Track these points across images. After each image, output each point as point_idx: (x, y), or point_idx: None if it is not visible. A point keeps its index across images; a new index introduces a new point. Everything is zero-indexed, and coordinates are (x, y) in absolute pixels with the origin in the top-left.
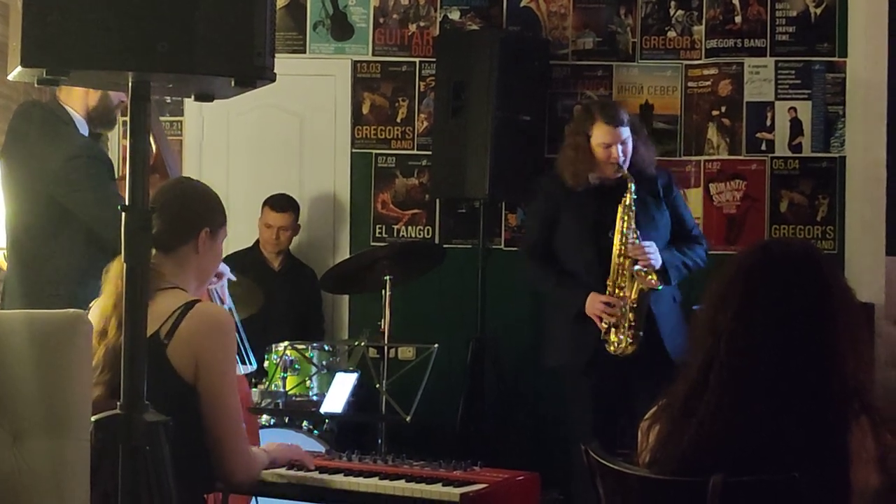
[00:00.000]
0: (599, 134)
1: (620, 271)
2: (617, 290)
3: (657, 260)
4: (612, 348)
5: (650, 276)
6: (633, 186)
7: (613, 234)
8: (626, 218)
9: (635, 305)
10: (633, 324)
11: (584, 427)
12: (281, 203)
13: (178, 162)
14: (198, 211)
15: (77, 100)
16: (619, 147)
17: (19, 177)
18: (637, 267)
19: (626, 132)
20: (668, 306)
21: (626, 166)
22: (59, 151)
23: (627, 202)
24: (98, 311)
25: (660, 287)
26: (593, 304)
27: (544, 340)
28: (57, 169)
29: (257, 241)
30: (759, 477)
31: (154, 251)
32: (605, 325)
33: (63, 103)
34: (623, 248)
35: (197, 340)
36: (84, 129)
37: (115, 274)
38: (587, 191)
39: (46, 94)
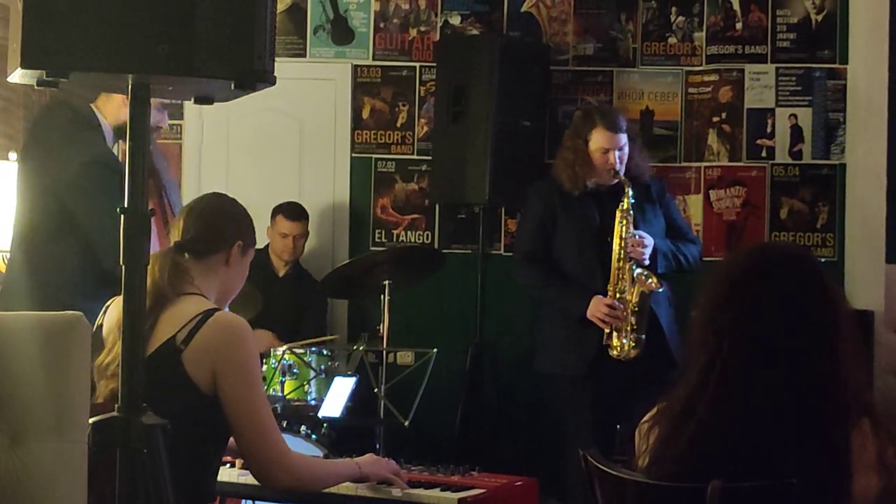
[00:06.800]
0: (598, 139)
1: (620, 275)
2: (618, 295)
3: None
4: (615, 352)
5: (650, 279)
6: (630, 191)
7: (612, 239)
8: (624, 222)
9: (637, 309)
10: (635, 327)
11: (581, 435)
12: (295, 211)
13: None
14: (233, 224)
15: (112, 110)
16: (617, 153)
17: (34, 176)
18: (637, 271)
19: (623, 139)
20: (666, 308)
21: (622, 173)
22: (77, 155)
23: (625, 206)
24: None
25: (661, 289)
26: (597, 307)
27: (540, 346)
28: (71, 171)
29: (266, 246)
30: (758, 483)
31: (186, 254)
32: (608, 329)
33: (96, 108)
34: (622, 251)
35: (214, 351)
36: (110, 138)
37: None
38: (584, 195)
39: (80, 96)
